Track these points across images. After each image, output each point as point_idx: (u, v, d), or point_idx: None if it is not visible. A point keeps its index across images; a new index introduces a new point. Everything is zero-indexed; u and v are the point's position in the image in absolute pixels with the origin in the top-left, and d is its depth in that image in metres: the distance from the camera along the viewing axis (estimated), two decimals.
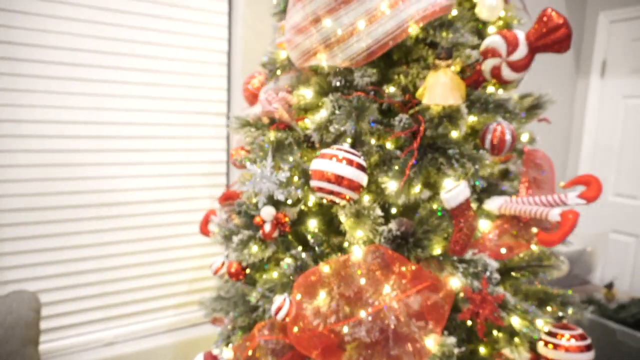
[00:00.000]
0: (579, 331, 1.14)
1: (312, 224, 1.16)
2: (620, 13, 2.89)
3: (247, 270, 1.26)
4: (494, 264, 0.99)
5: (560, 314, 1.18)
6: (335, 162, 0.98)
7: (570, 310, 1.16)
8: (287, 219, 1.13)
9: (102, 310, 1.78)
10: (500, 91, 1.21)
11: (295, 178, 1.14)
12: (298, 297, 1.08)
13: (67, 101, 1.61)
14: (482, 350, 1.14)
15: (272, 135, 1.15)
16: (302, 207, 1.20)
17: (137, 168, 1.77)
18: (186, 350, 1.87)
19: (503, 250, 1.04)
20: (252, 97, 1.54)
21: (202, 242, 1.93)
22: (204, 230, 1.55)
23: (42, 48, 1.55)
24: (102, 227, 1.74)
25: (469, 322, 1.09)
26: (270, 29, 1.55)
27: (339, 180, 0.97)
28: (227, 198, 1.48)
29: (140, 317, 1.86)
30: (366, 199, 1.08)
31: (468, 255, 1.00)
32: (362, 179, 0.99)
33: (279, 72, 1.36)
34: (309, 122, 1.14)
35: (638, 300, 2.38)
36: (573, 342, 1.12)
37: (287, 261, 1.12)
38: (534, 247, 1.19)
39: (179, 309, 1.94)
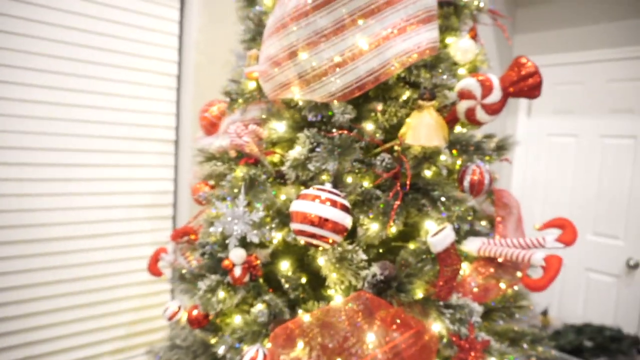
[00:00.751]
0: None
1: (285, 266, 1.08)
2: (543, 59, 3.16)
3: (210, 317, 1.14)
4: (478, 309, 0.98)
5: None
6: (318, 204, 0.92)
7: (540, 349, 1.18)
8: (259, 262, 1.05)
9: None
10: (464, 130, 1.23)
11: (268, 218, 1.06)
12: (269, 345, 0.99)
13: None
14: None
15: (243, 171, 1.06)
16: (271, 249, 1.12)
17: (70, 199, 1.59)
18: None
19: (483, 292, 1.03)
20: (210, 126, 1.44)
21: (143, 281, 1.76)
22: (154, 269, 1.40)
23: None
24: (28, 266, 1.52)
25: None
26: (225, 55, 1.48)
27: (322, 223, 0.91)
28: (182, 234, 1.35)
29: None
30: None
31: (453, 300, 0.98)
32: (347, 221, 0.94)
33: (241, 102, 1.29)
34: (284, 158, 1.07)
35: (571, 326, 2.52)
36: None
37: (259, 307, 1.03)
38: (502, 286, 1.21)
39: (115, 354, 1.72)
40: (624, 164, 2.82)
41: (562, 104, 3.10)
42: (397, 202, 0.97)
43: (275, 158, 1.15)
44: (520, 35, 3.30)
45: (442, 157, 1.04)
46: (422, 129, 0.99)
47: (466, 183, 1.06)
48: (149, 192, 1.77)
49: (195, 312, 1.13)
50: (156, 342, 1.36)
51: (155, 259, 1.41)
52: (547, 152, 3.17)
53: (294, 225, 0.94)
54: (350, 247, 0.97)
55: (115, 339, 1.73)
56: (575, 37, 3.01)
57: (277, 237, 1.09)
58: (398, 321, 0.96)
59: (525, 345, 1.14)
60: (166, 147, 1.80)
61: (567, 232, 0.99)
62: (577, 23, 3.01)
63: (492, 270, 1.04)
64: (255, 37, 1.26)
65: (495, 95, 1.10)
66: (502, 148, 1.29)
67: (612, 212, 2.87)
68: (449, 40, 1.19)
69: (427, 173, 1.06)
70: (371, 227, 1.00)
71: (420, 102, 1.02)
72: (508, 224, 1.22)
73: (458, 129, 1.22)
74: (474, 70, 1.26)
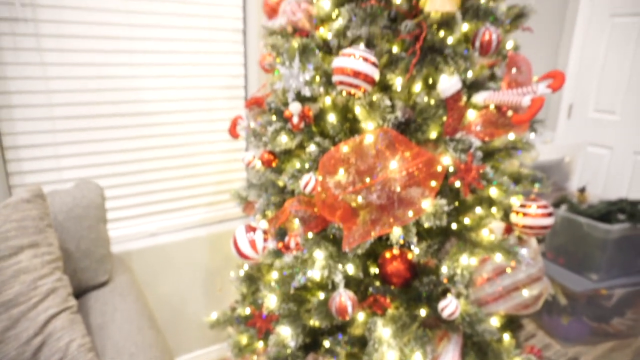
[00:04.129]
0: (543, 202, 1.43)
1: (332, 118, 1.40)
2: None
3: (276, 160, 1.52)
4: (477, 142, 1.26)
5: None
6: (353, 60, 1.21)
7: (536, 186, 1.45)
8: (311, 112, 1.38)
9: (144, 206, 2.06)
10: (491, 2, 1.41)
11: (317, 78, 1.37)
12: (320, 178, 1.35)
13: (105, 18, 1.79)
14: (467, 221, 1.44)
15: (298, 41, 1.36)
16: (322, 105, 1.44)
17: (165, 81, 1.99)
18: (216, 240, 2.19)
19: (484, 133, 1.30)
20: (271, 11, 1.72)
21: (225, 149, 2.20)
22: (233, 132, 1.80)
23: None
24: (138, 134, 1.98)
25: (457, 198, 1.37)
26: None
27: (356, 74, 1.21)
28: (253, 103, 1.71)
29: (178, 213, 2.16)
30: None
31: (458, 135, 1.26)
32: (375, 73, 1.22)
33: None
34: (328, 30, 1.35)
35: (606, 201, 2.72)
36: (538, 210, 1.42)
37: (312, 148, 1.39)
38: (511, 136, 1.47)
39: (209, 207, 2.23)
40: None
41: None
42: (415, 60, 1.23)
43: (323, 32, 1.42)
44: None
45: (458, 22, 1.27)
46: None
47: (477, 43, 1.28)
48: (225, 75, 2.13)
49: (266, 156, 1.52)
50: (238, 188, 1.79)
51: (234, 124, 1.80)
52: (609, 33, 3.11)
53: (335, 77, 1.24)
54: (378, 95, 1.27)
55: (208, 195, 2.22)
56: None
57: (324, 97, 1.40)
58: (414, 153, 1.27)
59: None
60: (236, 36, 2.12)
61: (556, 80, 1.21)
62: None
63: (493, 116, 1.30)
64: None
65: None
66: (520, 16, 1.47)
67: None
68: None
69: (448, 36, 1.30)
70: (396, 82, 1.28)
71: None
72: (521, 83, 1.43)
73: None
74: None
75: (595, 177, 3.29)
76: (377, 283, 1.45)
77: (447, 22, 1.25)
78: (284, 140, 1.41)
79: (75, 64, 1.78)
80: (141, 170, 2.02)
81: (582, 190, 2.95)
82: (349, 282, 1.40)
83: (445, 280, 1.33)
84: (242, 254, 1.52)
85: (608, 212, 2.53)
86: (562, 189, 3.19)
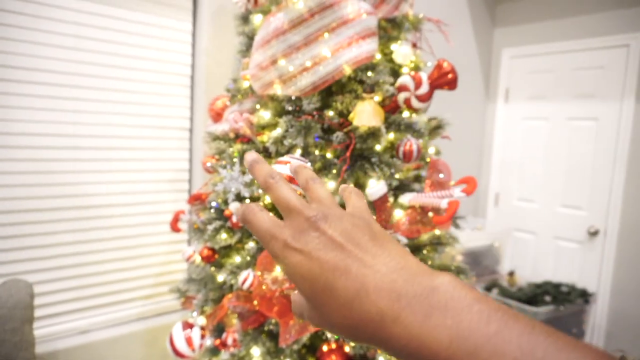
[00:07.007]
0: None
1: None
2: (519, 51, 3.50)
3: (216, 256, 1.56)
4: (404, 240, 1.37)
5: None
6: (288, 167, 1.32)
7: (462, 277, 1.57)
8: None
9: (77, 301, 1.99)
10: (415, 115, 1.61)
11: None
12: (259, 273, 1.40)
13: (49, 117, 1.84)
14: None
15: (238, 146, 1.47)
16: (262, 203, 1.53)
17: (109, 175, 2.02)
18: (154, 336, 2.11)
19: (410, 231, 1.42)
20: (216, 116, 1.85)
21: (166, 241, 2.20)
22: (175, 227, 1.83)
23: (28, 70, 1.78)
24: (78, 227, 1.96)
25: None
26: (229, 59, 1.87)
27: (291, 179, 1.31)
28: (196, 199, 1.77)
29: (112, 307, 2.08)
30: None
31: None
32: None
33: (240, 97, 1.69)
34: (268, 137, 1.48)
35: (533, 284, 2.91)
36: None
37: (251, 245, 1.45)
38: (437, 232, 1.60)
39: (146, 300, 2.17)
40: (586, 143, 3.17)
41: (535, 90, 3.44)
42: (345, 166, 1.37)
43: (263, 138, 1.55)
44: (499, 29, 3.63)
45: (383, 134, 1.44)
46: (364, 114, 1.39)
47: (400, 152, 1.45)
48: (170, 169, 2.19)
49: (205, 252, 1.55)
50: (177, 281, 1.78)
51: (175, 219, 1.84)
52: (522, 134, 3.52)
53: None
54: None
55: (146, 287, 2.17)
56: (546, 29, 3.34)
57: (264, 196, 1.49)
58: None
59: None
60: (182, 133, 2.22)
61: (469, 185, 1.38)
62: (547, 17, 3.33)
63: (418, 215, 1.44)
64: (248, 48, 1.66)
65: (424, 88, 1.48)
66: (438, 127, 1.68)
67: (576, 186, 3.22)
68: (393, 47, 1.57)
69: (375, 146, 1.46)
70: (328, 185, 1.40)
71: (363, 94, 1.41)
72: (441, 184, 1.60)
73: (406, 114, 1.60)
74: (416, 70, 1.64)
75: (524, 261, 3.52)
76: None
77: (373, 134, 1.42)
78: (224, 237, 1.46)
79: (16, 159, 1.79)
80: (77, 264, 1.97)
81: (511, 274, 3.14)
82: None
83: None
84: (177, 353, 1.49)
85: (535, 294, 2.71)
86: (494, 272, 3.38)
